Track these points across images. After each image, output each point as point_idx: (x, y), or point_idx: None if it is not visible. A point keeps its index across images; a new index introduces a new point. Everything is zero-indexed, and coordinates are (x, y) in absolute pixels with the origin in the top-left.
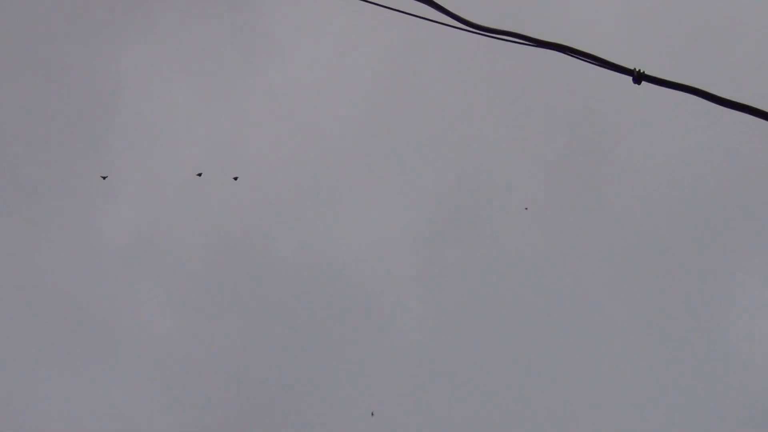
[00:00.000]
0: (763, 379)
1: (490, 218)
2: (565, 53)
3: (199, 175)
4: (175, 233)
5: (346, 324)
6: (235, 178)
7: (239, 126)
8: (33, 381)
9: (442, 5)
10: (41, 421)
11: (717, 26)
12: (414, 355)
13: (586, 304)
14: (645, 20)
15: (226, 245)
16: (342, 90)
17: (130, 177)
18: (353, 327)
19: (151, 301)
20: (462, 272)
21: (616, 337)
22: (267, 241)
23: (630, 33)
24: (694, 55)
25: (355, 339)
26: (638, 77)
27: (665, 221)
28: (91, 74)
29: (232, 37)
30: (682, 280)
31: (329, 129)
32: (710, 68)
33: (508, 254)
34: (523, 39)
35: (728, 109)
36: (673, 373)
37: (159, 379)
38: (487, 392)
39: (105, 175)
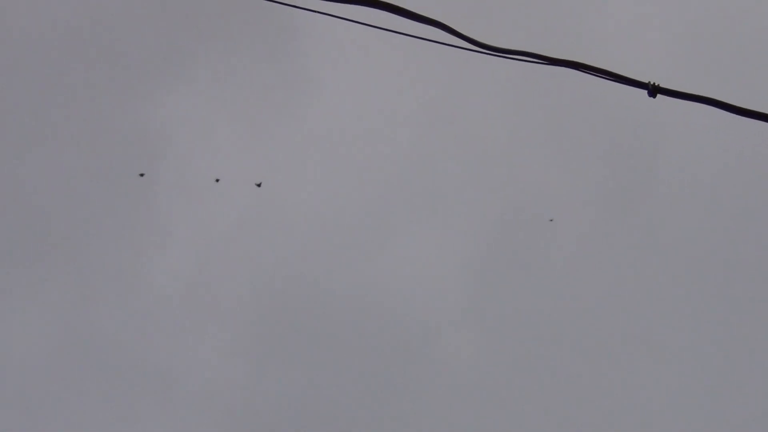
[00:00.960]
0: None
1: (539, 247)
2: (578, 70)
3: (217, 180)
4: (227, 278)
5: (403, 360)
6: (258, 185)
7: (286, 167)
8: None
9: (455, 29)
10: None
11: (723, 33)
12: (469, 390)
13: (643, 331)
14: (658, 32)
15: (279, 288)
16: (386, 124)
17: (179, 224)
18: (410, 363)
19: (206, 347)
20: (514, 302)
21: (677, 364)
22: (319, 282)
23: (642, 45)
24: (706, 66)
25: (413, 375)
26: (653, 90)
27: (713, 242)
28: (137, 122)
29: (275, 80)
30: (738, 300)
31: (376, 165)
32: (723, 78)
33: (559, 282)
34: (535, 57)
35: (748, 119)
36: (737, 403)
37: (218, 426)
38: (547, 428)
39: (142, 173)
